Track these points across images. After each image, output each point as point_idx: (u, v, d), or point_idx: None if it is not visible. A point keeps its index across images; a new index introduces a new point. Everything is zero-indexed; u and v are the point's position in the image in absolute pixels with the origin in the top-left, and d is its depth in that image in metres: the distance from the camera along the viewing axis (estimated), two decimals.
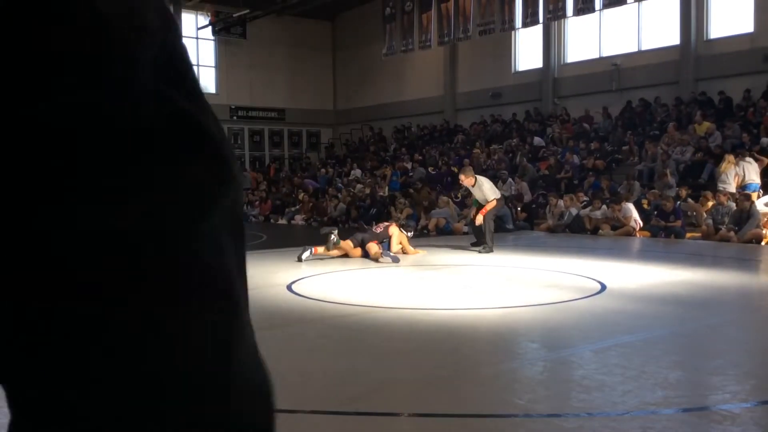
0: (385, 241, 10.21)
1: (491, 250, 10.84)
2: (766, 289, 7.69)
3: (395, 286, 7.69)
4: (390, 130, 29.38)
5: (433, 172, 21.48)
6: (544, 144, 20.94)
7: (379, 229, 10.49)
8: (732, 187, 13.40)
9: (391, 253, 9.80)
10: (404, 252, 10.33)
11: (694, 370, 4.23)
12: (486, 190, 10.94)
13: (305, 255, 9.71)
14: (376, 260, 9.75)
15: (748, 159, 13.86)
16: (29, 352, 0.51)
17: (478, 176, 11.23)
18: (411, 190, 18.10)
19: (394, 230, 10.35)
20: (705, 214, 13.15)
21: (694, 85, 19.98)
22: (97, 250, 0.50)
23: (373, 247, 9.88)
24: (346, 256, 10.02)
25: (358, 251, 10.12)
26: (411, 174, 20.71)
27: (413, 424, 3.36)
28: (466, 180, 11.16)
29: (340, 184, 22.08)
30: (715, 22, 19.86)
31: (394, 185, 20.36)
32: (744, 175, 13.59)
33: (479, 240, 11.16)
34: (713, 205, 12.86)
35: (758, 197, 12.90)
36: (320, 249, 9.91)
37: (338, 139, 32.79)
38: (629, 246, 11.82)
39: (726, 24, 19.57)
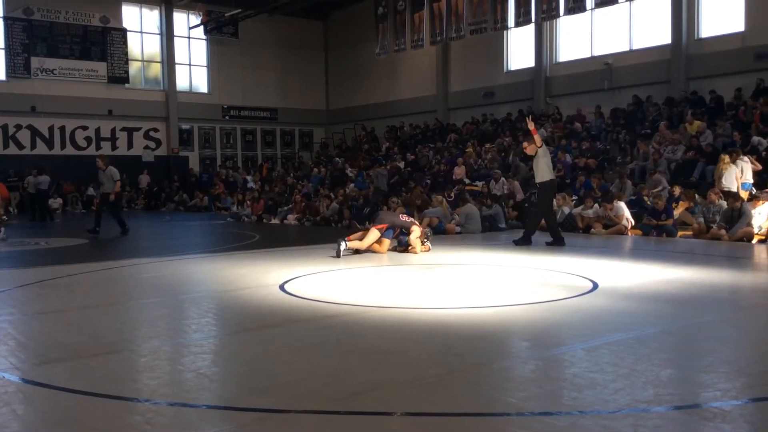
0: (404, 230, 10.48)
1: (561, 243, 11.07)
2: (757, 287, 7.72)
3: (387, 286, 7.69)
4: (382, 129, 29.38)
5: (405, 172, 21.61)
6: (545, 136, 20.96)
7: (405, 218, 10.74)
8: (735, 187, 13.42)
9: (344, 247, 9.80)
10: (410, 250, 10.46)
11: (686, 367, 4.24)
12: (541, 167, 11.24)
13: (342, 246, 9.88)
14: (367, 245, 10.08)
15: (744, 158, 13.88)
16: None
17: (541, 150, 11.40)
18: (403, 189, 18.12)
19: (416, 230, 10.52)
20: (690, 214, 13.23)
21: (685, 84, 20.07)
22: None
23: (372, 235, 10.10)
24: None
25: (373, 237, 10.30)
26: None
27: (406, 423, 3.37)
28: (529, 148, 11.54)
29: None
30: (706, 21, 19.94)
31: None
32: (743, 172, 13.61)
33: (526, 234, 11.38)
34: (703, 203, 12.91)
35: (750, 196, 12.94)
36: (354, 241, 10.16)
37: (331, 138, 32.77)
38: (621, 244, 11.85)
39: (717, 23, 19.65)
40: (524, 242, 11.33)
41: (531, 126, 11.35)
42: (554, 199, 12.55)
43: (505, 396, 3.67)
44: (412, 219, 11.26)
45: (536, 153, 11.33)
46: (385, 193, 18.49)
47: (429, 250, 10.66)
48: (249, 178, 26.69)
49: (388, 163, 23.66)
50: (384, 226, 10.31)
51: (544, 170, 11.25)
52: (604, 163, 18.26)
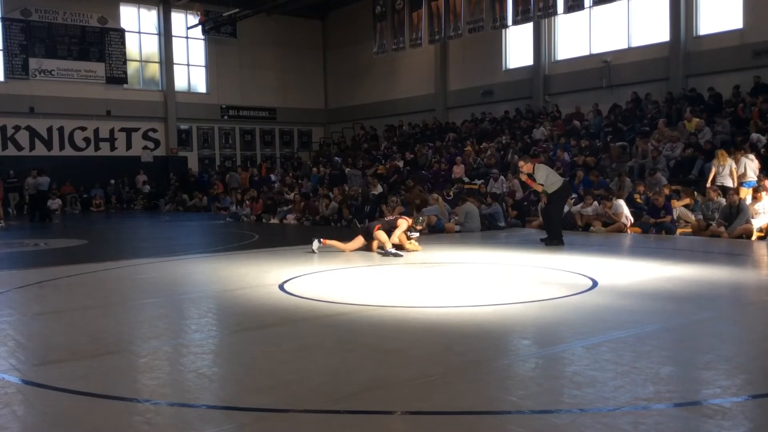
0: (391, 229, 10.50)
1: (559, 243, 10.93)
2: (757, 283, 7.73)
3: (387, 285, 7.69)
4: (381, 128, 29.37)
5: (404, 171, 21.68)
6: (544, 137, 20.94)
7: (390, 217, 11.06)
8: (729, 182, 13.37)
9: (391, 250, 10.01)
10: (403, 247, 10.51)
11: (686, 365, 4.25)
12: (539, 176, 11.25)
13: (315, 245, 10.36)
14: (381, 249, 10.18)
15: (750, 156, 13.81)
16: None
17: (537, 164, 11.67)
18: (402, 188, 18.11)
19: (402, 222, 10.59)
20: (690, 212, 13.23)
21: (683, 81, 20.07)
22: None
23: (381, 236, 10.21)
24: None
25: (358, 242, 10.59)
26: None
27: (406, 421, 3.37)
28: (525, 167, 11.59)
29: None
30: (705, 18, 19.95)
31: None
32: (745, 171, 13.54)
33: (549, 234, 11.27)
34: (703, 201, 12.91)
35: (754, 193, 12.91)
36: (330, 242, 10.61)
37: (330, 138, 32.75)
38: (620, 242, 11.85)
39: (715, 20, 19.66)
40: (552, 242, 11.08)
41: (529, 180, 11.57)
42: (567, 200, 12.53)
43: (505, 394, 3.67)
44: (399, 215, 11.39)
45: (533, 170, 11.39)
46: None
47: (419, 250, 10.65)
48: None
49: (387, 162, 23.65)
50: (378, 226, 10.48)
51: (551, 180, 11.22)
52: (601, 161, 18.27)
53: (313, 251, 10.31)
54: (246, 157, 32.29)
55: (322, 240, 10.52)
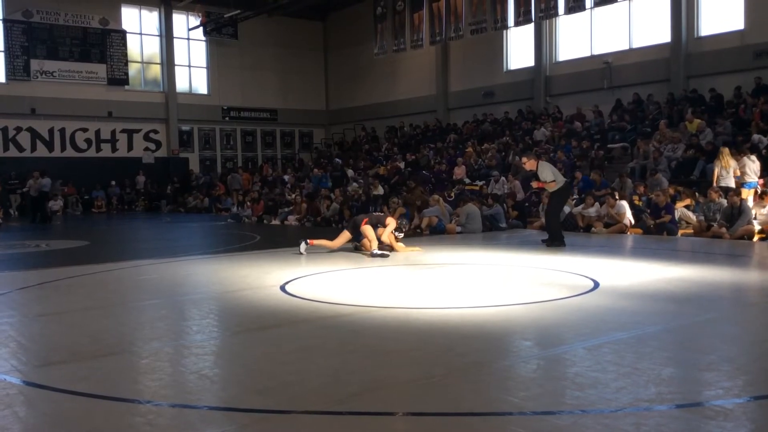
0: (378, 225, 10.58)
1: (561, 244, 10.88)
2: (759, 284, 7.72)
3: (388, 286, 7.69)
4: (382, 129, 29.38)
5: (405, 172, 21.74)
6: (545, 138, 20.92)
7: (379, 213, 11.02)
8: (732, 182, 13.37)
9: (378, 251, 10.04)
10: (393, 248, 10.53)
11: (687, 366, 4.24)
12: (545, 174, 11.18)
13: (303, 247, 10.39)
14: (367, 249, 10.28)
15: (751, 157, 13.79)
16: None
17: (541, 161, 11.63)
18: (404, 189, 18.12)
19: (391, 221, 10.65)
20: (691, 213, 13.24)
21: (685, 82, 20.06)
22: None
23: (369, 232, 10.26)
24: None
25: (344, 238, 10.72)
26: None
27: (407, 423, 3.36)
28: (528, 163, 11.56)
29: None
30: (706, 19, 19.95)
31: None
32: (745, 171, 13.52)
33: (550, 235, 11.24)
34: (704, 202, 12.90)
35: (756, 194, 12.89)
36: (317, 241, 10.74)
37: (331, 139, 32.77)
38: (622, 243, 11.85)
39: (716, 21, 19.66)
40: (553, 243, 11.02)
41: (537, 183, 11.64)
42: (567, 200, 12.53)
43: (507, 395, 3.67)
44: (386, 214, 11.48)
45: (536, 167, 11.36)
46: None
47: (414, 250, 10.68)
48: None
49: (388, 163, 23.66)
50: (366, 220, 10.57)
51: (547, 175, 11.16)
52: (604, 161, 18.26)
53: (300, 253, 10.33)
54: (247, 158, 32.33)
55: (309, 241, 10.56)
